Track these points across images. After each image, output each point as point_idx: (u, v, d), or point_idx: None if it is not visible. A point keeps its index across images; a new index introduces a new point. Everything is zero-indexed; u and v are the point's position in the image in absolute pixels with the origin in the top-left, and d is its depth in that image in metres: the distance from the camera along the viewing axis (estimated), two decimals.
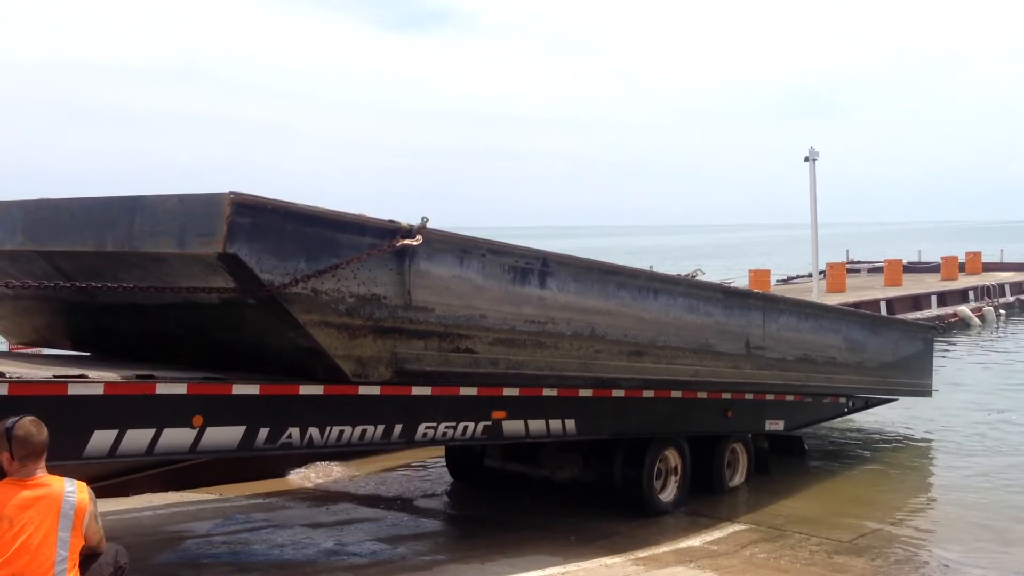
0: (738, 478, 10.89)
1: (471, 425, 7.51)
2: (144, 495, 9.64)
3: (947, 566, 8.20)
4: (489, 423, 7.63)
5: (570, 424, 8.29)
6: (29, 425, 4.70)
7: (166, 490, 9.89)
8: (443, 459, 11.72)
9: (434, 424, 7.24)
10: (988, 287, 34.57)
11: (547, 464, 9.88)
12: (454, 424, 7.39)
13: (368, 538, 8.57)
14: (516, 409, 7.80)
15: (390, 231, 6.52)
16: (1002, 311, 32.59)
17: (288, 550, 8.10)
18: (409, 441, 7.22)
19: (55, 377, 5.49)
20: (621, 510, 9.37)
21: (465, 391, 7.35)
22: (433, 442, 7.50)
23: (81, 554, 4.71)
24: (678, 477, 9.82)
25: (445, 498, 10.58)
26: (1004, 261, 47.37)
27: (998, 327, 30.34)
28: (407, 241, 6.52)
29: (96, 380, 5.59)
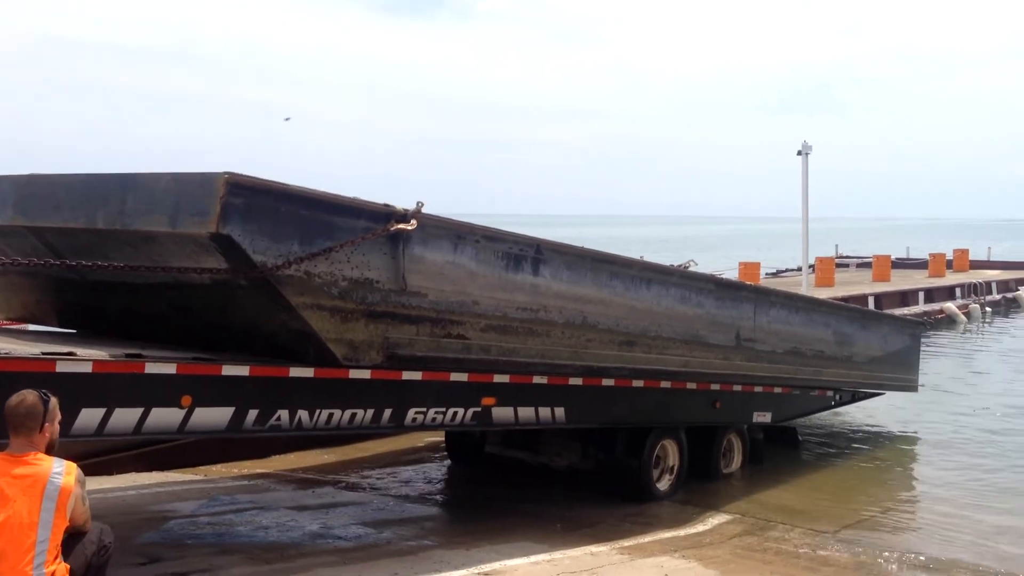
0: (733, 467, 11.01)
1: (461, 411, 7.50)
2: (128, 474, 9.61)
3: (930, 559, 8.24)
4: (479, 409, 7.62)
5: (559, 412, 8.29)
6: (14, 396, 4.66)
7: (151, 470, 9.85)
8: (432, 446, 11.75)
9: (424, 409, 7.23)
10: (975, 284, 34.74)
11: (546, 451, 9.95)
12: (444, 410, 7.38)
13: (354, 522, 8.56)
14: (506, 396, 7.79)
15: (385, 215, 6.49)
16: (988, 309, 32.75)
17: (273, 532, 8.09)
18: (398, 426, 7.21)
19: (43, 354, 5.45)
20: (615, 498, 9.41)
21: (456, 377, 7.33)
22: (423, 427, 7.49)
23: (65, 533, 4.68)
24: (675, 466, 9.89)
25: (433, 484, 10.58)
26: (991, 259, 47.59)
27: (984, 325, 30.50)
28: (402, 225, 6.49)
29: (85, 358, 5.56)
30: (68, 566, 4.70)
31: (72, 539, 4.80)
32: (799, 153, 22.72)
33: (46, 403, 4.71)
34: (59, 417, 4.84)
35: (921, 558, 8.28)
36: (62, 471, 4.62)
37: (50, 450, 4.72)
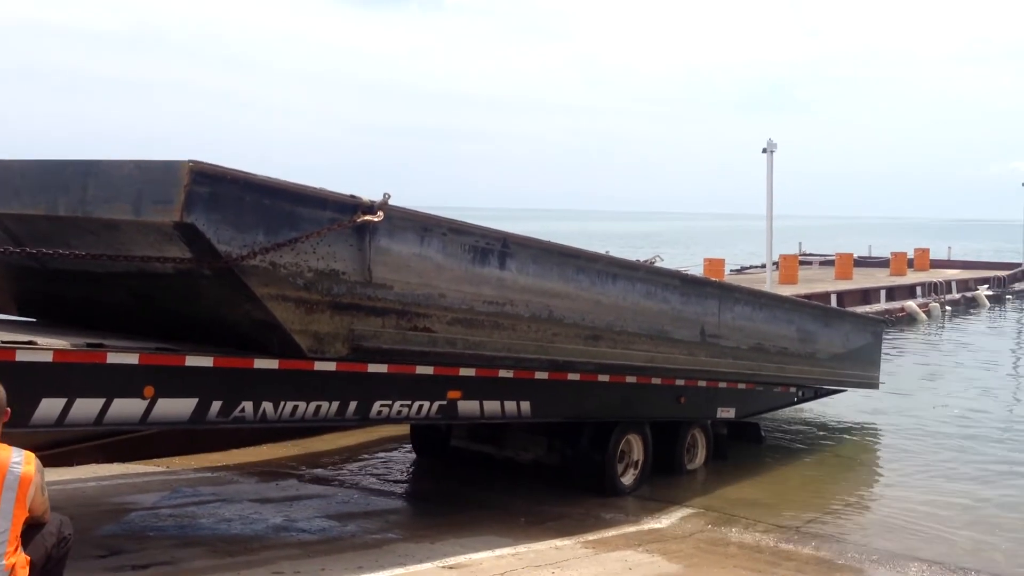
0: (697, 462, 11.08)
1: (426, 404, 7.48)
2: (89, 465, 9.48)
3: (890, 552, 8.36)
4: (444, 403, 7.61)
5: (525, 406, 8.29)
6: None
7: (111, 461, 9.73)
8: (398, 439, 11.71)
9: (389, 402, 7.20)
10: (935, 283, 35.25)
11: (512, 445, 9.97)
12: (409, 403, 7.35)
13: (318, 515, 8.51)
14: (472, 389, 7.78)
15: (351, 206, 6.44)
16: (948, 307, 33.23)
17: (236, 525, 8.02)
18: (364, 418, 7.18)
19: (3, 343, 5.36)
20: (579, 492, 9.45)
21: (421, 370, 7.32)
22: (388, 420, 7.47)
23: (24, 524, 4.61)
24: (640, 461, 9.95)
25: (398, 477, 10.56)
26: (951, 259, 48.32)
27: (943, 323, 30.95)
28: (368, 217, 6.45)
29: (45, 347, 5.47)
30: (28, 557, 4.63)
31: (31, 530, 4.73)
32: (764, 151, 22.88)
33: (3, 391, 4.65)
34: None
35: (881, 552, 8.39)
36: (21, 460, 4.55)
37: None
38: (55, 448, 8.92)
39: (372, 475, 10.40)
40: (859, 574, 7.85)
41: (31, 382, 5.29)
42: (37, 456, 4.69)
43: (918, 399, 16.61)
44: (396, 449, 11.54)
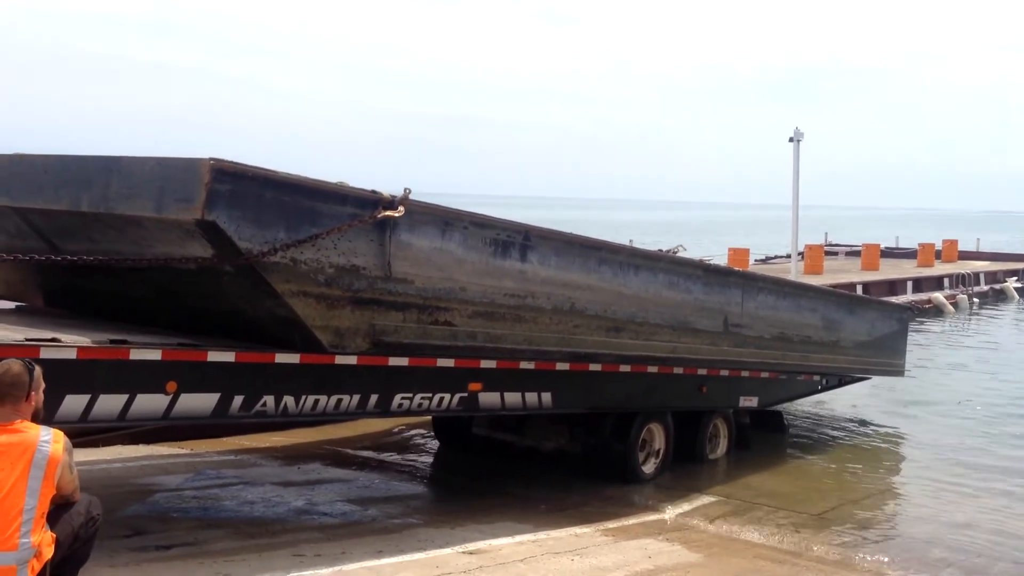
0: (719, 451, 11.07)
1: (447, 396, 7.52)
2: (114, 447, 9.62)
3: (911, 541, 8.34)
4: (465, 395, 7.64)
5: (546, 397, 8.31)
6: (4, 364, 4.67)
7: (136, 443, 9.85)
8: (420, 425, 11.79)
9: (410, 395, 7.25)
10: (963, 275, 34.84)
11: (533, 434, 10.01)
12: (430, 395, 7.39)
13: (339, 498, 8.58)
14: (493, 382, 7.81)
15: (372, 202, 6.46)
16: (976, 299, 32.85)
17: (259, 507, 8.10)
18: (384, 411, 7.22)
19: (27, 340, 5.43)
20: (600, 480, 9.46)
21: (442, 363, 7.34)
22: (408, 413, 7.51)
23: (53, 503, 4.68)
24: (661, 450, 9.96)
25: (419, 463, 10.62)
26: (980, 250, 47.75)
27: (971, 315, 30.60)
28: (389, 212, 6.47)
29: (69, 344, 5.54)
30: (54, 535, 4.71)
31: (59, 509, 4.80)
32: (791, 140, 22.70)
33: (31, 371, 4.72)
34: (43, 386, 4.84)
35: (903, 541, 8.37)
36: (50, 439, 4.61)
37: (35, 419, 4.73)
38: (77, 437, 9.04)
39: (394, 461, 10.46)
40: (881, 564, 7.81)
41: (55, 379, 5.32)
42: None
43: (943, 392, 16.46)
44: (418, 436, 11.60)
